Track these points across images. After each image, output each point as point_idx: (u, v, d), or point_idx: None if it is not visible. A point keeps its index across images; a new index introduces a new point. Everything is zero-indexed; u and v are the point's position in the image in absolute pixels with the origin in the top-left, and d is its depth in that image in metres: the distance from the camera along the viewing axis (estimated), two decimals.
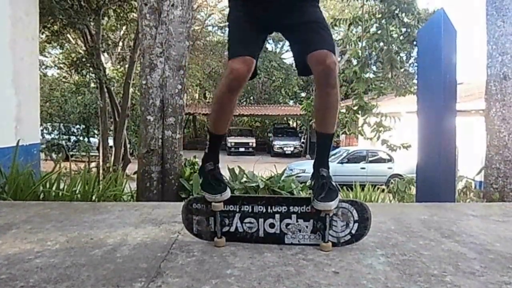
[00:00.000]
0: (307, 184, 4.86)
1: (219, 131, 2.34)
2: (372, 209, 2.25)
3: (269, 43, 32.63)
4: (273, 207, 2.25)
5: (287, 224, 2.23)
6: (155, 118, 4.51)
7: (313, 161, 2.33)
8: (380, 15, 8.36)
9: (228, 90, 2.18)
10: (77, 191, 4.07)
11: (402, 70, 11.65)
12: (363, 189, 6.88)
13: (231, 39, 2.27)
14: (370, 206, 2.27)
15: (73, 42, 14.83)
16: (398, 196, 6.38)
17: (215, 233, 2.25)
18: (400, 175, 9.76)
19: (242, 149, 26.13)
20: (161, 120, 4.52)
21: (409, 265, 1.98)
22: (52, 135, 13.76)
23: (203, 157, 2.37)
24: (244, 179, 3.47)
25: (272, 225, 2.24)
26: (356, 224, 2.20)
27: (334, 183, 2.22)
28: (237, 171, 4.01)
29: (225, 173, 4.34)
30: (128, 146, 12.82)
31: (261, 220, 2.25)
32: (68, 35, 13.52)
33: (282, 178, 3.81)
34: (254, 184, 3.33)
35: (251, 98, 33.82)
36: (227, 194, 2.24)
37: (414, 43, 9.18)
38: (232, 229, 2.26)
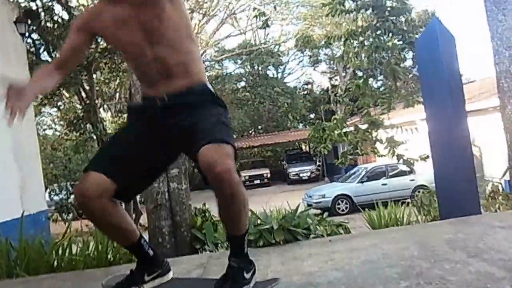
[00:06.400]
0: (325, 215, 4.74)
1: (125, 243, 2.10)
2: (395, 234, 2.17)
3: (269, 69, 32.64)
4: None
5: None
6: None
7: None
8: (377, 23, 8.27)
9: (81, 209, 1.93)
10: (91, 254, 3.97)
11: (410, 75, 11.53)
12: (386, 207, 6.60)
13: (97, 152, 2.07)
14: (393, 231, 2.17)
15: (68, 100, 14.97)
16: (424, 211, 6.09)
17: None
18: (425, 186, 9.41)
19: (257, 181, 25.34)
20: (165, 173, 4.41)
21: None
22: (60, 196, 13.73)
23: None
24: (259, 221, 3.36)
25: None
26: None
27: (245, 275, 1.97)
28: (248, 215, 3.89)
29: None
30: (138, 197, 12.70)
31: None
32: (64, 92, 13.61)
33: (297, 213, 3.67)
34: (268, 226, 3.21)
35: (259, 127, 33.49)
36: None
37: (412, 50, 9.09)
38: None
